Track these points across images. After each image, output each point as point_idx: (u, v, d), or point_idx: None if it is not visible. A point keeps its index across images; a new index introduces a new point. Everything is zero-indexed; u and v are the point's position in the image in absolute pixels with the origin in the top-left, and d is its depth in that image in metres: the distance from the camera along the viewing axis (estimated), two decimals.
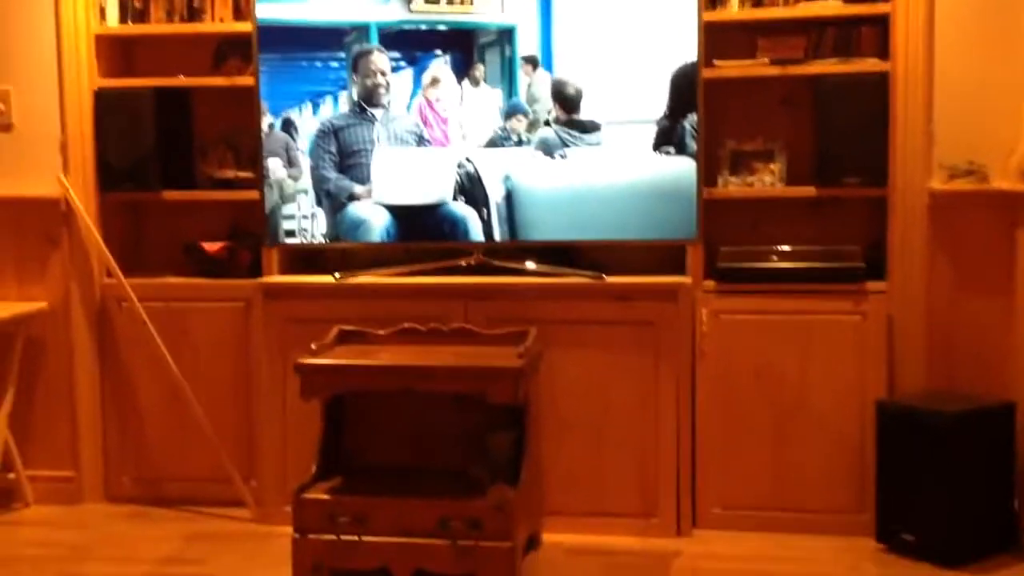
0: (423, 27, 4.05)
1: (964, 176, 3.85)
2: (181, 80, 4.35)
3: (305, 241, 4.15)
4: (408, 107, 4.07)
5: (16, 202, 4.34)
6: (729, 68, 4.01)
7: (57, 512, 4.30)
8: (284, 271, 4.24)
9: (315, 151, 4.09)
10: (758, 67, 4.00)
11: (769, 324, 3.92)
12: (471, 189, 4.03)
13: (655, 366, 3.91)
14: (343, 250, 4.31)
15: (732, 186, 4.09)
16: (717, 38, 4.00)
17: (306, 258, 4.38)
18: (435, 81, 4.05)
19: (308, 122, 4.09)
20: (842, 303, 3.87)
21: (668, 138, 3.90)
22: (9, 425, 4.23)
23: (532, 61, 3.97)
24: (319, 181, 4.09)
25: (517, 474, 3.62)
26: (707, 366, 3.95)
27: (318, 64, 4.11)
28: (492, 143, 4.02)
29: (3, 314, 4.14)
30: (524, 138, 4.00)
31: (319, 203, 4.10)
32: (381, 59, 4.05)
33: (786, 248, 4.01)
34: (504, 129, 4.01)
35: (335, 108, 4.09)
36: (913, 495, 3.68)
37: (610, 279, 3.95)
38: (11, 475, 4.32)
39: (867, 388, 3.87)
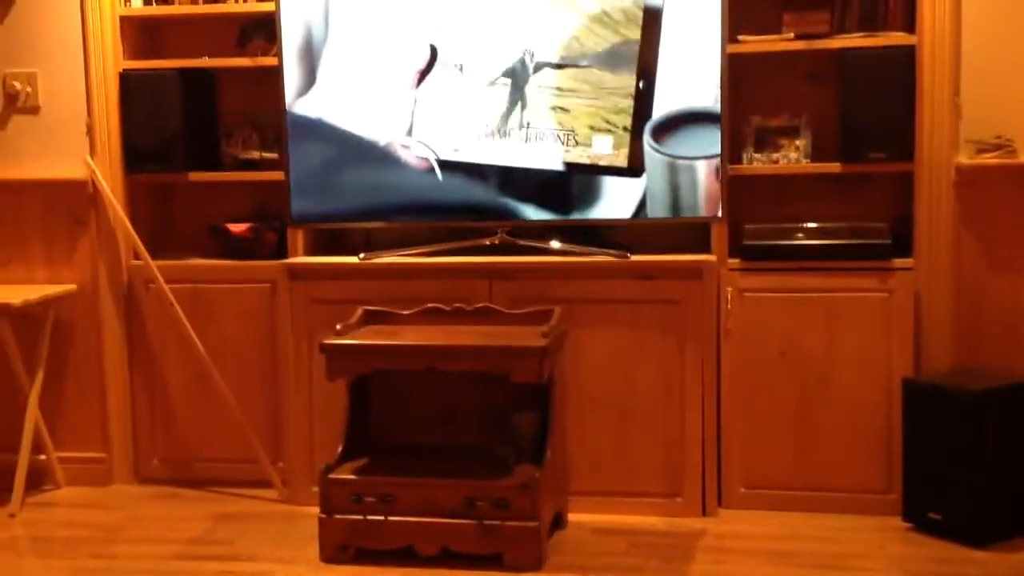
0: None
1: (992, 151, 3.81)
2: (206, 61, 4.36)
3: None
4: None
5: (44, 185, 4.37)
6: (754, 43, 3.97)
7: (87, 493, 4.35)
8: (309, 252, 4.26)
9: None
10: (783, 42, 3.96)
11: (794, 302, 3.90)
12: None
13: (680, 345, 3.90)
14: (367, 230, 4.32)
15: (757, 163, 4.06)
16: (741, 13, 3.96)
17: (331, 238, 4.40)
18: None
19: None
20: (868, 280, 3.85)
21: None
22: (39, 407, 4.27)
23: None
24: None
25: (542, 453, 3.64)
26: (732, 344, 3.93)
27: None
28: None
29: (32, 296, 4.17)
30: None
31: None
32: None
33: (812, 225, 3.98)
34: None
35: None
36: (940, 474, 3.66)
37: (635, 258, 3.94)
38: (42, 457, 4.36)
39: (893, 366, 3.84)
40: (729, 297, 3.92)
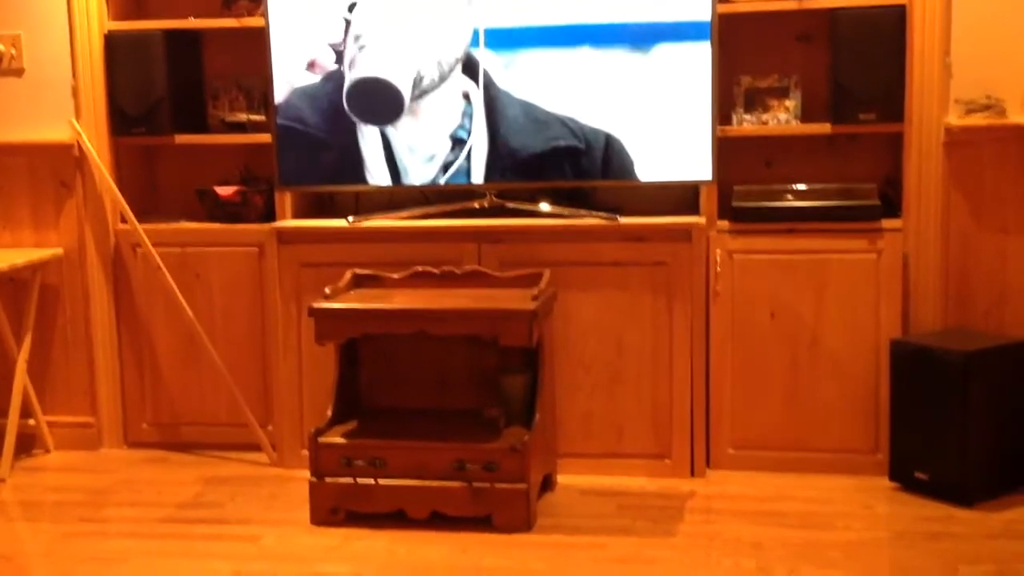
0: None
1: (981, 111, 3.80)
2: (191, 22, 4.31)
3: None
4: None
5: (29, 148, 4.34)
6: (744, 3, 3.95)
7: (77, 457, 4.35)
8: (297, 215, 4.24)
9: None
10: (773, 1, 3.94)
11: (783, 263, 3.90)
12: None
13: (669, 307, 3.90)
14: (356, 193, 4.30)
15: (747, 124, 4.04)
16: None
17: (319, 202, 4.38)
18: None
19: None
20: (857, 241, 3.85)
21: None
22: (27, 372, 4.26)
23: None
24: None
25: (531, 416, 3.64)
26: (721, 306, 3.94)
27: None
28: None
29: (19, 260, 4.15)
30: None
31: None
32: None
33: (801, 187, 3.97)
34: None
35: None
36: (927, 434, 3.67)
37: (624, 220, 3.93)
38: (31, 421, 4.36)
39: (882, 327, 3.85)
40: (718, 259, 3.92)
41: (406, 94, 3.95)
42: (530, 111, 3.94)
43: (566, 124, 3.93)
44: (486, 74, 3.94)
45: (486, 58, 3.94)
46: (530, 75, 3.93)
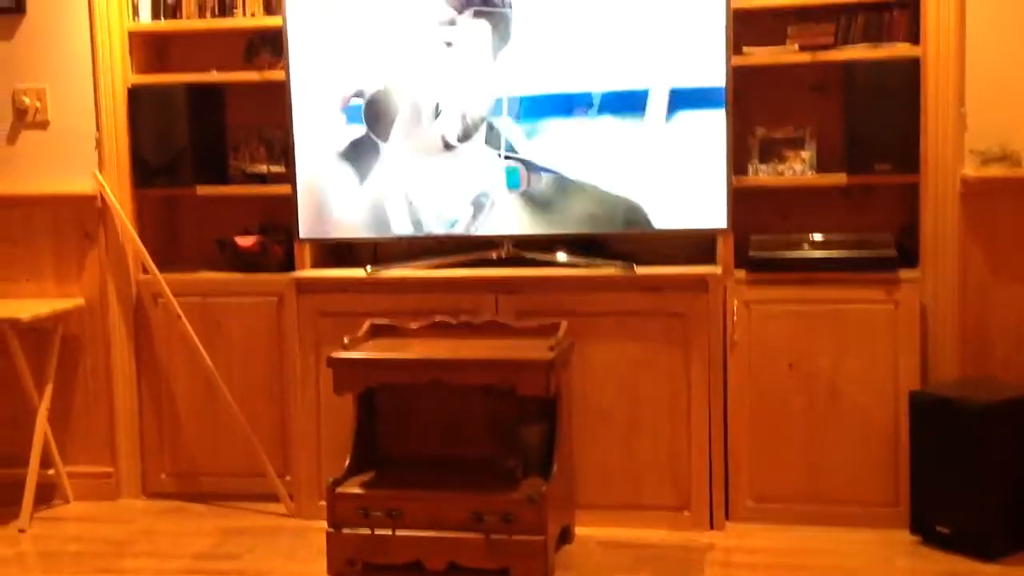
0: None
1: (997, 162, 3.80)
2: (214, 76, 4.38)
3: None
4: None
5: (53, 199, 4.39)
6: (758, 55, 3.98)
7: (96, 508, 4.36)
8: (316, 265, 4.27)
9: None
10: (788, 54, 3.97)
11: (801, 314, 3.89)
12: None
13: (687, 357, 3.90)
14: (374, 243, 4.33)
15: (762, 174, 4.06)
16: (746, 24, 3.97)
17: (338, 252, 4.41)
18: None
19: None
20: (875, 292, 3.84)
21: None
22: (48, 421, 4.28)
23: None
24: None
25: (549, 467, 3.64)
26: (739, 357, 3.93)
27: None
28: None
29: (41, 311, 4.19)
30: None
31: None
32: None
33: (817, 237, 3.98)
34: None
35: None
36: (948, 487, 3.64)
37: (641, 270, 3.94)
38: (51, 471, 4.37)
39: (900, 378, 3.83)
40: (735, 309, 3.92)
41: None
42: (554, 179, 3.98)
43: (585, 189, 3.96)
44: (508, 143, 3.99)
45: (508, 126, 3.98)
46: (552, 143, 3.97)
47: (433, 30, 4.01)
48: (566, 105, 3.95)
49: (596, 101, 3.93)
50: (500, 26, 3.97)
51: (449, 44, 4.01)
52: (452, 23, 4.00)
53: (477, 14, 3.98)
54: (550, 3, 3.94)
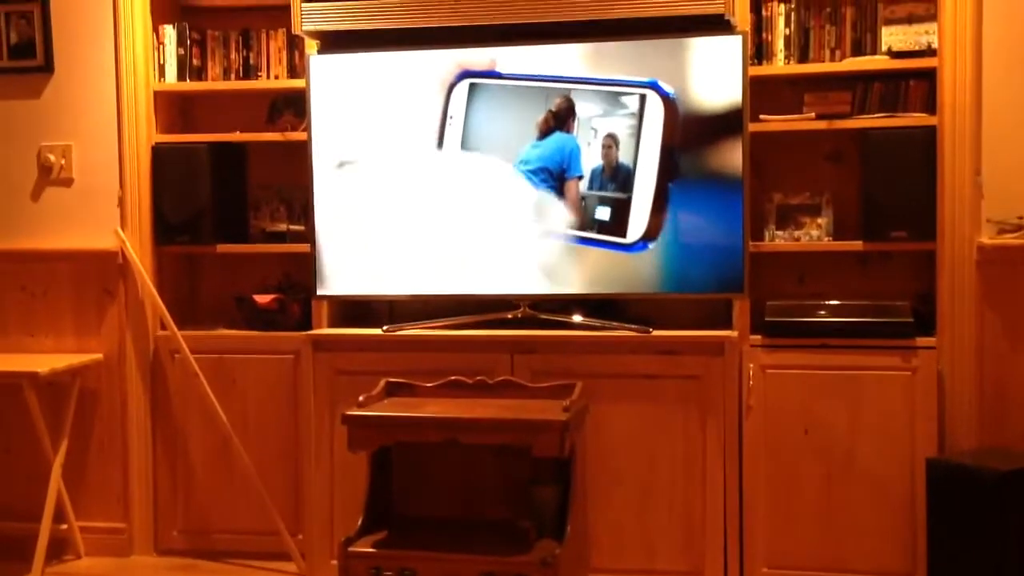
0: None
1: (1014, 231, 3.82)
2: (236, 136, 4.44)
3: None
4: None
5: (75, 255, 4.44)
6: (775, 122, 4.02)
7: (108, 564, 4.35)
8: (333, 323, 4.29)
9: None
10: (804, 121, 4.01)
11: (817, 379, 3.89)
12: None
13: (702, 421, 3.89)
14: (391, 302, 4.35)
15: (779, 239, 4.08)
16: (763, 92, 4.02)
17: (355, 310, 4.43)
18: None
19: None
20: (891, 359, 3.84)
21: None
22: (62, 475, 4.29)
23: None
24: None
25: (563, 528, 3.61)
26: (754, 421, 3.92)
27: None
28: None
29: (59, 365, 4.22)
30: None
31: None
32: None
33: (834, 302, 3.99)
34: None
35: None
36: (965, 555, 3.61)
37: (656, 333, 3.95)
38: (63, 526, 4.37)
39: (917, 445, 3.81)
40: (751, 374, 3.92)
41: None
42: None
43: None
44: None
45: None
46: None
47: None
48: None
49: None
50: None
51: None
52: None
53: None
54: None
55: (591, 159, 3.99)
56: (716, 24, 3.88)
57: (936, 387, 3.82)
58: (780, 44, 4.03)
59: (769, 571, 3.93)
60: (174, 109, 4.58)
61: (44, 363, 4.19)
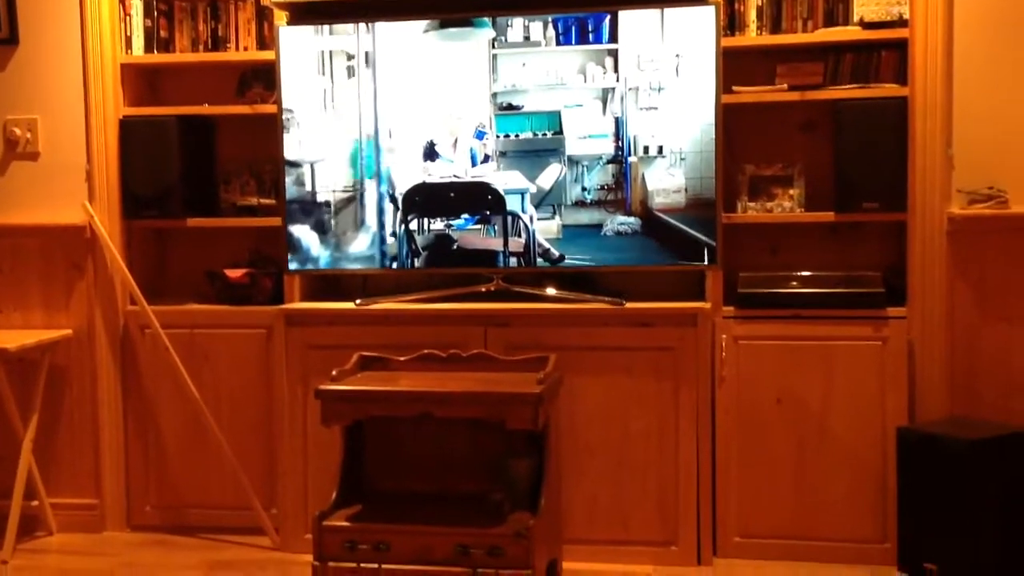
0: None
1: (984, 201, 3.84)
2: (205, 108, 4.40)
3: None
4: None
5: (42, 230, 4.40)
6: (747, 94, 4.02)
7: (80, 540, 4.33)
8: (305, 297, 4.27)
9: None
10: (776, 93, 4.01)
11: (789, 350, 3.91)
12: None
13: (675, 392, 3.90)
14: (364, 276, 4.33)
15: (751, 211, 4.09)
16: (735, 64, 4.01)
17: (327, 284, 4.41)
18: None
19: None
20: (862, 329, 3.86)
21: None
22: (33, 452, 4.26)
23: None
24: None
25: (537, 501, 3.62)
26: (727, 392, 3.94)
27: None
28: None
29: (28, 341, 4.18)
30: None
31: None
32: None
33: (806, 273, 4.00)
34: None
35: None
36: (935, 523, 3.64)
37: (629, 305, 3.95)
38: (35, 503, 4.35)
39: (888, 415, 3.85)
40: (724, 344, 3.93)
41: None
42: None
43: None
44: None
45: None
46: None
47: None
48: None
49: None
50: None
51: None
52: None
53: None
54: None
55: None
56: None
57: (907, 357, 3.85)
58: (753, 15, 4.02)
59: (741, 540, 3.96)
60: (142, 81, 4.53)
61: (13, 339, 4.15)
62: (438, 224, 4.11)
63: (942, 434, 3.65)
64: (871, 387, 3.86)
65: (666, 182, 3.96)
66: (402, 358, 3.89)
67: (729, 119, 3.97)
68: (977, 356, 3.86)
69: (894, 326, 3.85)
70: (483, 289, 4.08)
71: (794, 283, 3.97)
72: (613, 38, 3.95)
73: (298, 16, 4.18)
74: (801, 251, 4.15)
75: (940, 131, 3.84)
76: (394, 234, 4.12)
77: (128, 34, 4.39)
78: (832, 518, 3.90)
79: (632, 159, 3.98)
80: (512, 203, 4.05)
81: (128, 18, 4.38)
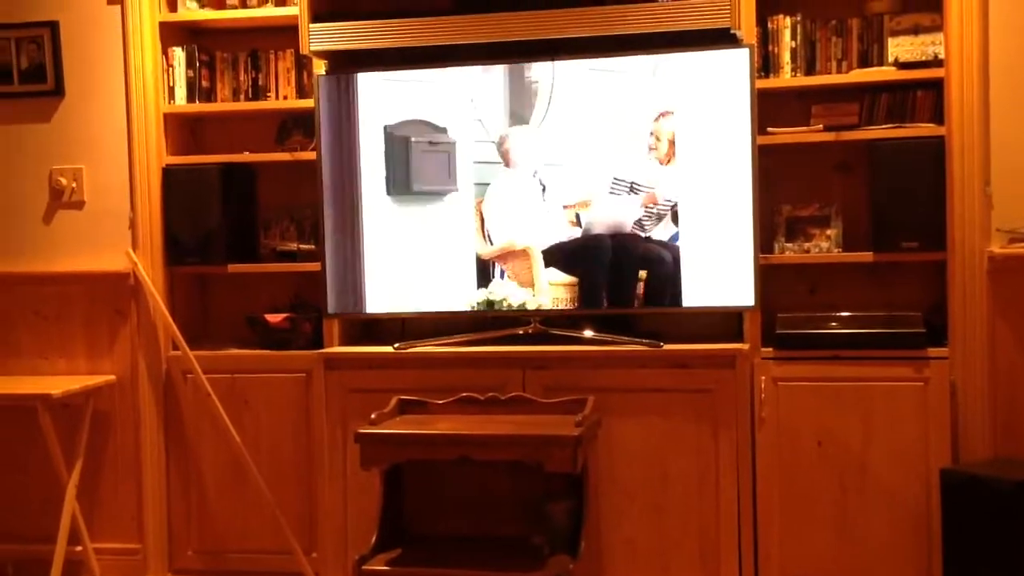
0: None
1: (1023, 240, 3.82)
2: (246, 156, 4.46)
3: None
4: None
5: (87, 277, 4.46)
6: (783, 135, 4.03)
7: None
8: (344, 341, 4.30)
9: None
10: (812, 133, 4.01)
11: (829, 391, 3.88)
12: None
13: (714, 434, 3.88)
14: (402, 320, 4.36)
15: (788, 252, 4.08)
16: (770, 105, 4.03)
17: (366, 328, 4.44)
18: None
19: None
20: (903, 369, 3.83)
21: None
22: (77, 497, 4.30)
23: None
24: None
25: (577, 544, 3.60)
26: (767, 434, 3.91)
27: None
28: None
29: (73, 387, 4.23)
30: None
31: None
32: None
33: (845, 314, 3.98)
34: None
35: None
36: (981, 566, 3.59)
37: (667, 346, 3.95)
38: (78, 548, 4.37)
39: (931, 456, 3.80)
40: (763, 386, 3.91)
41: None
42: None
43: None
44: None
45: None
46: None
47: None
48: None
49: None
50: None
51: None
52: None
53: None
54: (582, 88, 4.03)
55: None
56: (722, 38, 3.90)
57: (949, 397, 3.81)
58: (787, 57, 4.04)
59: None
60: (184, 130, 4.60)
61: (57, 385, 4.20)
62: None
63: (987, 475, 3.61)
64: (913, 428, 3.82)
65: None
66: (440, 401, 3.90)
67: (765, 160, 3.97)
68: (1020, 395, 3.82)
69: (935, 366, 3.82)
70: (521, 332, 4.10)
71: (833, 323, 3.95)
72: None
73: (337, 65, 4.24)
74: (840, 291, 4.13)
75: (978, 170, 3.82)
76: None
77: (171, 84, 4.47)
78: (875, 561, 3.85)
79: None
80: None
81: (171, 69, 4.46)
